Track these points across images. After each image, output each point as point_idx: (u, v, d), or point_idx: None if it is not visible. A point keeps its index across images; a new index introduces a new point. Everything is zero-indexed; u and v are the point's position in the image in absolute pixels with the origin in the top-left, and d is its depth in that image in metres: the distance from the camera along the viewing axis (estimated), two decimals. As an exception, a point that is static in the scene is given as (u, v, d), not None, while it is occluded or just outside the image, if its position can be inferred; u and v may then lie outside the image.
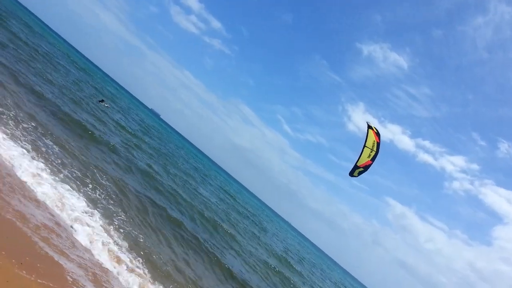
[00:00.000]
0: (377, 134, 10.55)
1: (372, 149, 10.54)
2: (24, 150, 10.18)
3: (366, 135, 10.76)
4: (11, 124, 11.29)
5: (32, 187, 8.53)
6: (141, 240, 10.99)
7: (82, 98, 27.53)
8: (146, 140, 34.27)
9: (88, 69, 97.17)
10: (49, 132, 13.23)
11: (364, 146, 10.65)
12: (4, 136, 10.03)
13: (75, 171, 11.93)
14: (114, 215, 11.18)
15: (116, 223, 10.69)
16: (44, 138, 12.42)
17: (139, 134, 34.61)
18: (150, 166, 21.58)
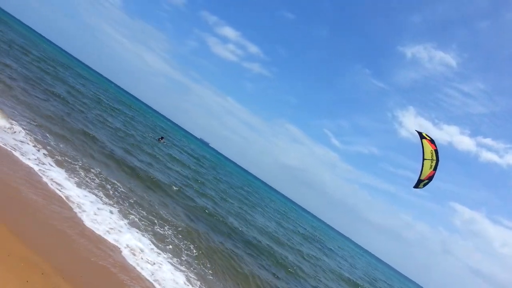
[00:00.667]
0: (432, 141, 10.23)
1: (432, 159, 10.20)
2: (96, 198, 10.97)
3: (421, 146, 10.43)
4: (81, 173, 12.25)
5: (104, 236, 9.10)
6: (211, 277, 11.20)
7: (139, 138, 29.23)
8: (201, 172, 35.36)
9: (141, 109, 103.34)
10: (113, 177, 14.14)
11: (424, 159, 10.35)
12: (76, 186, 10.91)
13: (142, 211, 12.57)
14: (183, 252, 11.53)
15: (184, 260, 11.02)
16: (110, 182, 13.28)
17: (194, 167, 35.79)
18: (210, 198, 22.13)
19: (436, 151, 10.26)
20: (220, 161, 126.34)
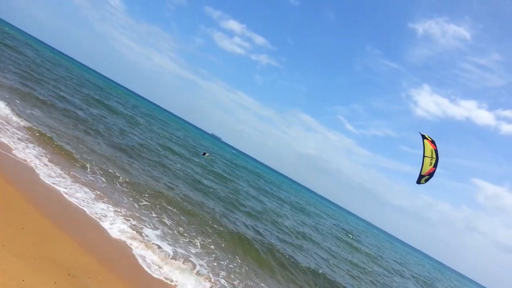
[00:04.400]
0: (432, 142, 11.49)
1: (432, 157, 11.47)
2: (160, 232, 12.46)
3: (422, 145, 11.72)
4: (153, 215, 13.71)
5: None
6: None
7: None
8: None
9: (156, 115, 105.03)
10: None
11: (424, 156, 11.64)
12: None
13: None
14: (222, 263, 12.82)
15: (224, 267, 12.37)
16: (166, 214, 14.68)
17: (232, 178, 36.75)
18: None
19: (436, 150, 11.46)
20: (238, 157, 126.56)
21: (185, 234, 11.95)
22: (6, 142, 11.23)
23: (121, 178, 14.04)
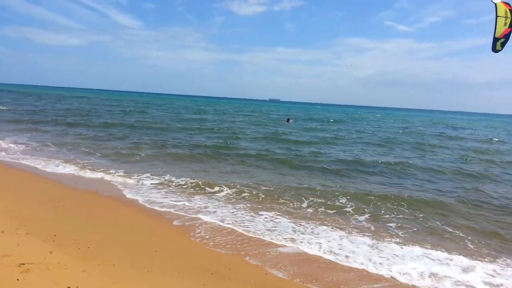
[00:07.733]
0: (506, 3, 10.35)
1: (506, 16, 10.44)
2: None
3: (495, 8, 10.66)
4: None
5: None
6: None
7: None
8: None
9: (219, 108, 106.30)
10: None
11: (497, 16, 10.56)
12: None
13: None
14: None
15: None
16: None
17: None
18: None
19: (511, 10, 10.37)
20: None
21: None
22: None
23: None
